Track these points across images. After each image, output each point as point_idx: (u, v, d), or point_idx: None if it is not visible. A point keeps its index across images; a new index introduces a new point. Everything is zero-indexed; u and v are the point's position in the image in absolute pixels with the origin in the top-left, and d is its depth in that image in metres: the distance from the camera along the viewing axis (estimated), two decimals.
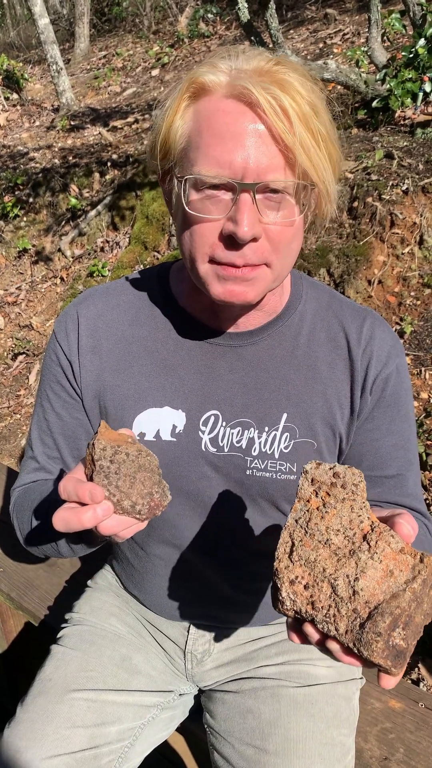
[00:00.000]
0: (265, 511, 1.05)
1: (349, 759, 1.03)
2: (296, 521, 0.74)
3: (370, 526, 0.72)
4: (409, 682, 1.99)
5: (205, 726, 1.14)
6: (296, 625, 0.73)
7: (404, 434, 1.05)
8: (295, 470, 1.02)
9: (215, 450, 1.02)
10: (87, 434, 1.11)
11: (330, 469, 0.75)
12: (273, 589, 0.73)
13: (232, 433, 1.02)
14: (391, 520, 0.74)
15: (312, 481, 0.75)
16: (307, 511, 0.74)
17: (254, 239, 0.84)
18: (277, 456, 1.01)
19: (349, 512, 0.73)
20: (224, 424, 1.02)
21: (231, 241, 0.85)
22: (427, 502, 2.60)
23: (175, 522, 1.07)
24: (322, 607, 0.70)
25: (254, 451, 1.02)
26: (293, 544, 0.73)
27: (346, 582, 0.69)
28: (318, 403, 1.02)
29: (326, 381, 1.02)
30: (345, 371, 1.02)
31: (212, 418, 1.02)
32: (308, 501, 0.74)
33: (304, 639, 0.73)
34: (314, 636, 0.71)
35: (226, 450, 1.02)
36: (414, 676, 2.06)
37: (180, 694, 1.19)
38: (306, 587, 0.71)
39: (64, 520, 0.77)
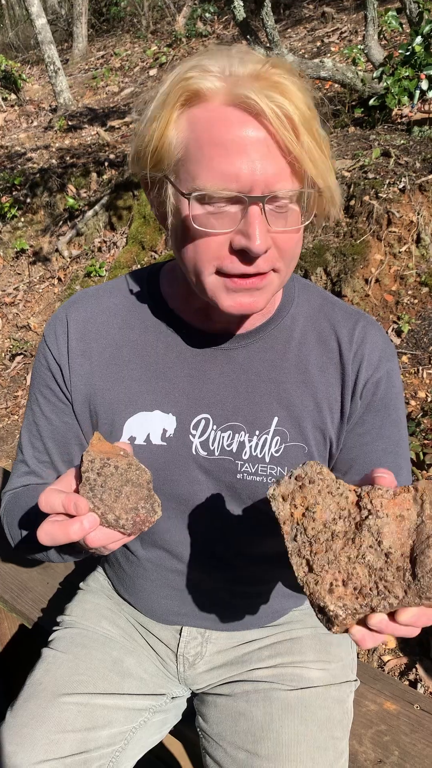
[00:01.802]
0: (256, 515, 1.04)
1: (342, 762, 1.02)
2: (295, 540, 0.73)
3: (356, 494, 0.73)
4: (406, 683, 1.98)
5: (198, 729, 1.13)
6: (362, 630, 0.71)
7: (394, 439, 1.04)
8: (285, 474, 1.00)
9: (206, 454, 1.01)
10: (77, 438, 1.10)
11: (289, 477, 0.75)
12: (320, 613, 0.71)
13: (223, 437, 1.01)
14: (369, 479, 0.75)
15: (282, 498, 0.74)
16: (297, 524, 0.73)
17: (265, 251, 0.83)
18: (267, 460, 1.01)
19: (331, 498, 0.73)
20: (215, 427, 1.01)
21: (243, 254, 0.84)
22: None
23: (166, 526, 1.06)
24: (371, 589, 0.69)
25: (245, 454, 1.01)
26: (308, 560, 0.72)
27: (374, 552, 0.69)
28: (309, 406, 1.01)
29: (317, 384, 1.01)
30: (336, 375, 1.01)
31: (203, 422, 1.01)
32: (292, 516, 0.74)
33: (376, 633, 0.70)
34: (383, 620, 0.69)
35: (216, 454, 1.01)
36: (411, 677, 2.04)
37: (172, 698, 1.18)
38: (345, 584, 0.70)
39: (49, 534, 0.76)
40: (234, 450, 1.01)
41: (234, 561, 1.08)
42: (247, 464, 1.01)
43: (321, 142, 0.82)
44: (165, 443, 1.02)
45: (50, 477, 1.13)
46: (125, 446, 0.84)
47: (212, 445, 1.01)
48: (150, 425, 1.02)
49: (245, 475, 1.01)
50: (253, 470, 1.01)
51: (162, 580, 1.12)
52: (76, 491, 0.79)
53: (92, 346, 1.04)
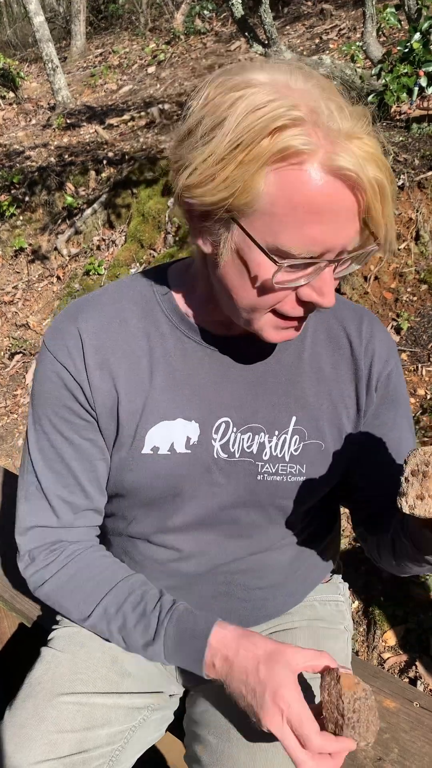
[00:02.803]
0: (273, 518, 1.05)
1: None
2: None
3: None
4: (406, 681, 1.98)
5: (184, 726, 1.13)
6: None
7: (406, 428, 1.08)
8: (304, 471, 1.03)
9: (226, 456, 1.02)
10: (101, 453, 1.04)
11: (406, 481, 0.77)
12: None
13: (243, 439, 1.02)
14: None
15: (420, 499, 0.76)
16: None
17: None
18: (287, 459, 1.02)
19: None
20: (235, 430, 1.02)
21: (306, 303, 0.86)
22: None
23: (181, 528, 1.06)
24: None
25: (265, 455, 1.02)
26: None
27: None
28: (324, 404, 1.03)
29: (330, 382, 1.03)
30: (348, 371, 1.04)
31: (223, 425, 1.02)
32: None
33: None
34: None
35: (237, 456, 1.02)
36: (411, 674, 2.05)
37: (170, 695, 1.18)
38: None
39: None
40: (254, 451, 1.02)
41: (247, 565, 1.09)
42: (267, 465, 1.02)
43: (393, 203, 0.83)
44: (189, 450, 1.01)
45: (78, 499, 1.07)
46: (354, 678, 0.89)
47: (232, 447, 1.02)
48: (173, 434, 1.01)
49: (266, 475, 1.02)
50: (273, 470, 1.02)
51: (164, 580, 1.12)
52: (337, 727, 0.86)
53: (108, 357, 1.00)
